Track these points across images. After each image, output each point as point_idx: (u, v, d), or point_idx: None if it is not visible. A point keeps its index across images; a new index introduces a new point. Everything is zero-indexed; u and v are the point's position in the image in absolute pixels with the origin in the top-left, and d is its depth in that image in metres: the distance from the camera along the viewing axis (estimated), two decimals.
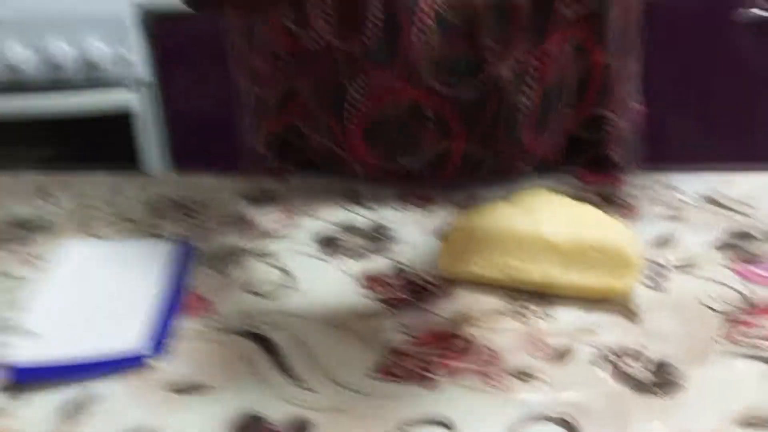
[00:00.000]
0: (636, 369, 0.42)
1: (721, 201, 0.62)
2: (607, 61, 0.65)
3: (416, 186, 0.66)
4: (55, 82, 1.52)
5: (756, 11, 1.42)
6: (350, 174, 0.68)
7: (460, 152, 0.64)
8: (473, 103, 0.62)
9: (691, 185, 0.64)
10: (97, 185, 0.71)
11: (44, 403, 0.41)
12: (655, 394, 0.40)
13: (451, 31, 0.59)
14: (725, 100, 1.55)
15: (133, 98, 1.54)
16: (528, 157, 0.65)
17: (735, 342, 0.44)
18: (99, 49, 1.48)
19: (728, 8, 1.44)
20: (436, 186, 0.66)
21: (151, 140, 1.59)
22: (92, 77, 1.52)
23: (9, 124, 1.56)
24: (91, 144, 1.60)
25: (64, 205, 0.68)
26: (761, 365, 0.42)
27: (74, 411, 0.41)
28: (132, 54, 1.50)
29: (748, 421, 0.38)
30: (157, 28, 1.52)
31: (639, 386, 0.41)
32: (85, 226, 0.63)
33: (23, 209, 0.67)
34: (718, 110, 1.56)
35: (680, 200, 0.62)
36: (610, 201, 0.62)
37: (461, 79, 0.61)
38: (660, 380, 0.41)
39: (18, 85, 1.52)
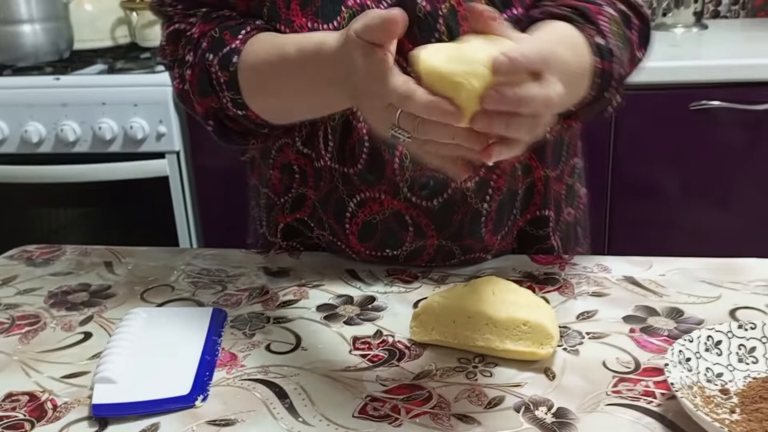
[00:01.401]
0: (543, 413, 0.58)
1: (639, 281, 0.78)
2: (546, 173, 0.82)
3: (400, 266, 0.83)
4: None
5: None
6: (347, 256, 0.85)
7: (433, 246, 0.81)
8: (442, 210, 0.79)
9: (618, 267, 0.81)
10: (149, 259, 0.89)
11: None
12: None
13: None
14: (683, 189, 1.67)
15: (167, 165, 1.73)
16: (487, 249, 0.82)
17: (620, 395, 0.60)
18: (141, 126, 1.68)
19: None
20: (416, 267, 0.83)
21: (181, 199, 1.77)
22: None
23: (60, 186, 1.76)
24: (134, 205, 1.79)
25: (125, 276, 0.85)
26: (635, 412, 0.57)
27: None
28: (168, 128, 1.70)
29: None
30: None
31: (544, 427, 0.56)
32: (142, 294, 0.81)
33: (95, 279, 0.85)
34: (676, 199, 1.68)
35: (606, 279, 0.79)
36: (552, 280, 0.79)
37: (433, 193, 0.78)
38: (559, 422, 0.57)
39: (72, 157, 1.72)
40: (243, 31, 0.73)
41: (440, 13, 0.72)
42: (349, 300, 0.77)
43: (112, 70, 1.78)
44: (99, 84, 1.69)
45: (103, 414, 0.59)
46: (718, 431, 0.51)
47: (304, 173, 0.83)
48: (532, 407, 0.59)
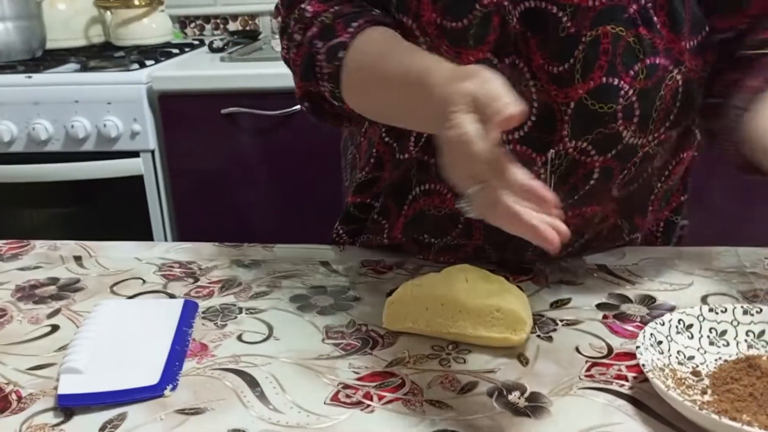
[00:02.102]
0: (516, 398, 0.58)
1: (612, 270, 0.78)
2: (619, 222, 0.80)
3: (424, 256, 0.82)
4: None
5: None
6: (379, 243, 0.84)
7: (473, 247, 0.79)
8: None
9: (591, 257, 0.81)
10: (119, 252, 0.88)
11: (89, 422, 0.57)
12: (527, 416, 0.56)
13: None
14: None
15: (142, 164, 1.71)
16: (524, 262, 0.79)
17: (593, 379, 0.60)
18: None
19: None
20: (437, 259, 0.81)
21: (156, 199, 1.75)
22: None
23: (33, 186, 1.73)
24: (108, 204, 1.77)
25: (95, 269, 0.84)
26: (607, 395, 0.57)
27: (111, 428, 0.56)
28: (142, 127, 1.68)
29: None
30: (163, 105, 1.70)
31: (517, 411, 0.56)
32: (111, 287, 0.79)
33: (64, 273, 0.83)
34: None
35: (580, 268, 0.79)
36: (525, 270, 0.79)
37: None
38: (532, 407, 0.57)
39: (44, 156, 1.70)
40: (355, 24, 0.68)
41: (582, 39, 0.67)
42: (322, 290, 0.77)
43: (85, 68, 1.75)
44: (72, 82, 1.67)
45: (68, 404, 0.58)
46: (689, 410, 0.51)
47: (380, 161, 0.80)
48: (505, 392, 0.58)
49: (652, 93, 0.68)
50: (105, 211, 1.76)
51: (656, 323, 0.60)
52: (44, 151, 1.69)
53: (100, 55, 1.94)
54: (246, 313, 0.73)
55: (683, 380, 0.57)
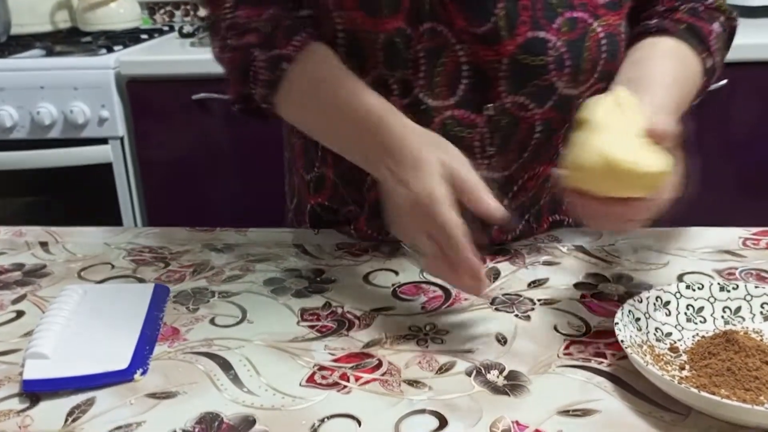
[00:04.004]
0: (495, 377, 0.57)
1: (589, 250, 0.78)
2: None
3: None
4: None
5: None
6: (345, 233, 0.83)
7: None
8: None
9: (568, 238, 0.81)
10: (87, 238, 0.86)
11: (55, 407, 0.55)
12: (506, 394, 0.55)
13: (455, 140, 0.67)
14: None
15: (110, 151, 1.67)
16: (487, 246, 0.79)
17: (571, 356, 0.59)
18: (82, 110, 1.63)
19: None
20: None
21: (126, 187, 1.72)
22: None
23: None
24: (76, 192, 1.73)
25: (61, 255, 0.82)
26: (586, 372, 0.57)
27: (78, 413, 0.54)
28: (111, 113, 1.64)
29: (569, 413, 0.53)
30: (132, 90, 1.67)
31: (495, 389, 0.56)
32: (79, 273, 0.77)
33: (29, 259, 0.81)
34: None
35: (557, 249, 0.78)
36: (502, 251, 0.78)
37: None
38: (511, 385, 0.56)
39: (9, 143, 1.66)
40: (298, 38, 0.70)
41: None
42: (297, 273, 0.75)
43: (51, 53, 1.71)
44: (37, 67, 1.63)
45: (34, 389, 0.56)
46: (669, 385, 0.51)
47: (324, 157, 0.81)
48: (483, 371, 0.58)
49: (578, 44, 0.70)
50: (72, 200, 1.72)
51: (634, 300, 0.60)
52: (9, 138, 1.65)
53: (67, 40, 1.89)
54: (219, 297, 0.71)
55: (661, 356, 0.57)
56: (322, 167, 0.82)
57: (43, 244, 0.84)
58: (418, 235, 0.60)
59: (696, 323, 0.61)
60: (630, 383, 0.55)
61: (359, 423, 0.52)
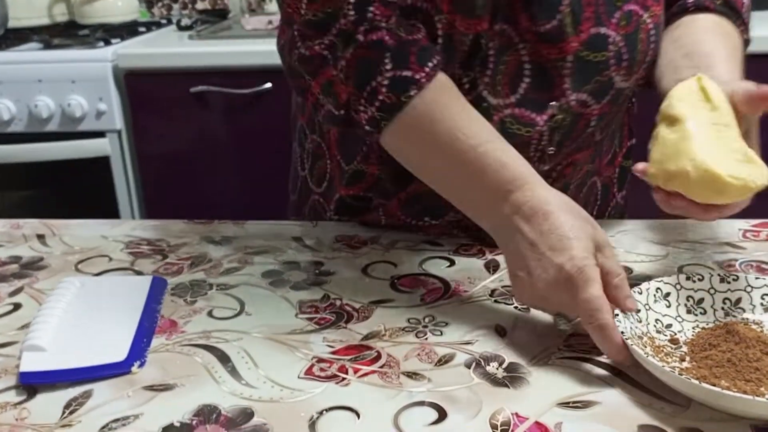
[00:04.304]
0: (494, 369, 0.57)
1: None
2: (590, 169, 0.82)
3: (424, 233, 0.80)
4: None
5: None
6: (371, 220, 0.82)
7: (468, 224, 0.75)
8: None
9: None
10: (84, 230, 0.85)
11: (52, 400, 0.54)
12: (506, 386, 0.55)
13: (513, 137, 0.69)
14: None
15: (108, 144, 1.67)
16: None
17: (572, 349, 0.59)
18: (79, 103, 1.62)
19: None
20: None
21: (124, 181, 1.72)
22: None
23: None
24: (74, 186, 1.73)
25: (59, 248, 0.81)
26: (587, 365, 0.57)
27: (76, 405, 0.54)
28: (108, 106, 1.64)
29: (569, 404, 0.52)
30: (130, 84, 1.66)
31: (495, 381, 0.55)
32: (76, 265, 0.77)
33: (26, 251, 0.80)
34: None
35: None
36: None
37: None
38: (511, 377, 0.56)
39: (7, 137, 1.65)
40: (430, 63, 0.64)
41: None
42: (295, 266, 0.75)
43: (48, 46, 1.70)
44: (34, 60, 1.62)
45: (30, 382, 0.56)
46: (669, 376, 0.50)
47: (367, 155, 0.78)
48: (483, 363, 0.57)
49: (633, 37, 0.70)
50: (70, 193, 1.71)
51: (634, 292, 0.60)
52: (7, 131, 1.64)
53: (64, 33, 1.89)
54: (216, 289, 0.71)
55: (661, 348, 0.56)
56: (362, 164, 0.79)
57: (41, 237, 0.84)
58: (563, 306, 0.59)
59: (696, 315, 0.61)
60: (630, 375, 0.55)
61: (358, 415, 0.52)
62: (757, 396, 0.49)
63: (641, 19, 0.70)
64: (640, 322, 0.58)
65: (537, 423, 0.50)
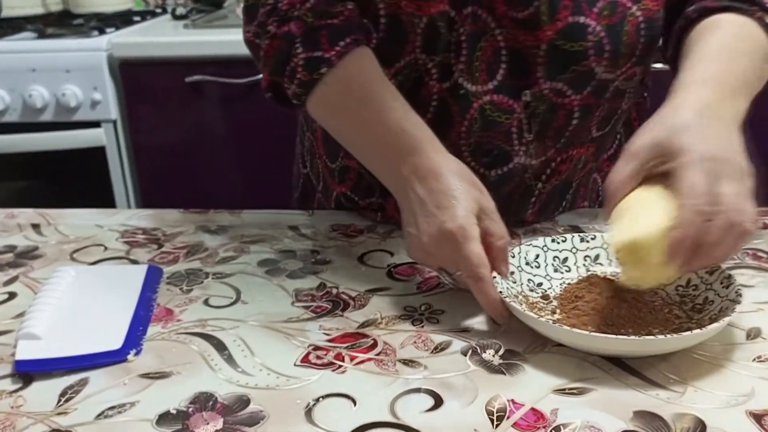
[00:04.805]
0: (490, 356, 0.57)
1: (585, 230, 0.78)
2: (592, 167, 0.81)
3: None
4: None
5: None
6: (370, 217, 0.83)
7: None
8: (498, 182, 0.74)
9: (564, 218, 0.80)
10: (79, 220, 0.85)
11: (48, 388, 0.54)
12: (502, 373, 0.55)
13: (493, 125, 0.71)
14: None
15: (103, 134, 1.66)
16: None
17: None
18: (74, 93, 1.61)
19: None
20: None
21: (119, 171, 1.71)
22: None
23: None
24: (69, 177, 1.72)
25: (54, 237, 0.81)
26: (581, 352, 0.57)
27: (72, 393, 0.54)
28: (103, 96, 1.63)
29: (564, 391, 0.53)
30: (125, 73, 1.65)
31: (491, 368, 0.55)
32: (72, 254, 0.76)
33: (21, 241, 0.80)
34: None
35: (552, 230, 0.78)
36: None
37: (493, 163, 0.74)
38: (507, 364, 0.56)
39: (1, 127, 1.64)
40: (342, 42, 0.67)
41: None
42: (291, 254, 0.75)
43: (42, 36, 1.69)
44: (28, 49, 1.61)
45: (26, 370, 0.56)
46: (544, 326, 0.56)
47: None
48: (479, 350, 0.57)
49: (617, 28, 0.69)
50: (65, 183, 1.71)
51: (508, 256, 0.64)
52: (1, 121, 1.63)
53: (58, 22, 1.87)
54: (212, 278, 0.70)
55: (535, 304, 0.62)
56: (345, 159, 0.81)
57: (35, 226, 0.84)
58: (445, 262, 0.63)
59: (562, 272, 0.66)
60: (626, 362, 0.55)
61: (354, 402, 0.52)
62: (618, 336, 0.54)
63: (629, 11, 0.69)
64: (515, 282, 0.63)
65: (533, 409, 0.50)
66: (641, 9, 0.69)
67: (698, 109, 0.58)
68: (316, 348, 0.58)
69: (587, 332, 0.54)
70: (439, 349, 0.58)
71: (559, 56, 0.69)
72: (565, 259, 0.67)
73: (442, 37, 0.69)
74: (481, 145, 0.73)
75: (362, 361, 0.57)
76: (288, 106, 0.74)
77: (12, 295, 0.68)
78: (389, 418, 0.50)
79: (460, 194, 0.61)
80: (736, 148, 0.57)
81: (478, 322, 0.61)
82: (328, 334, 0.60)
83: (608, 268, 0.66)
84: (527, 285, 0.64)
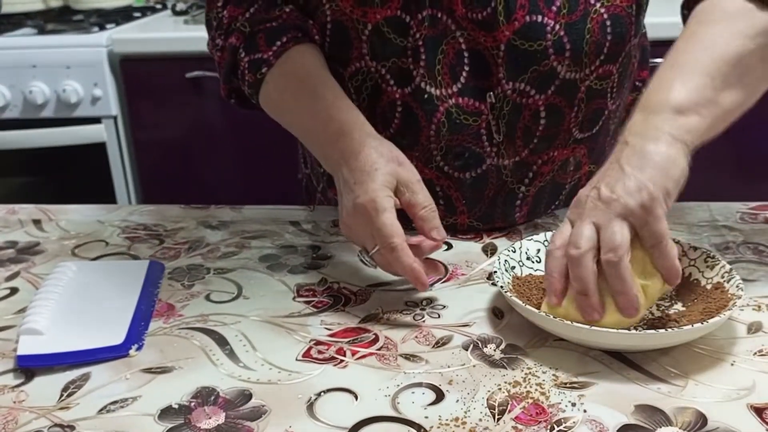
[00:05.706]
0: (492, 350, 0.57)
1: None
2: (592, 169, 0.79)
3: None
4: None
5: None
6: None
7: (464, 226, 0.77)
8: (475, 184, 0.74)
9: (564, 214, 0.80)
10: (81, 215, 0.85)
11: (50, 383, 0.54)
12: (503, 367, 0.55)
13: (461, 128, 0.72)
14: None
15: (104, 130, 1.66)
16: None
17: None
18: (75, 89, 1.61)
19: None
20: None
21: (120, 167, 1.71)
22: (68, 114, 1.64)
23: None
24: (70, 173, 1.72)
25: (55, 232, 0.81)
26: (583, 346, 0.57)
27: (74, 388, 0.54)
28: (104, 92, 1.63)
29: (565, 385, 0.53)
30: (125, 69, 1.65)
31: (492, 362, 0.55)
32: (73, 250, 0.77)
33: (22, 236, 0.80)
34: None
35: (554, 225, 0.78)
36: (499, 228, 0.78)
37: (466, 165, 0.73)
38: (508, 358, 0.56)
39: (1, 123, 1.64)
40: (278, 42, 0.72)
41: None
42: (292, 250, 0.75)
43: (42, 32, 1.69)
44: (29, 45, 1.61)
45: (28, 365, 0.56)
46: (544, 320, 0.56)
47: None
48: (480, 345, 0.58)
49: (578, 26, 0.69)
50: (66, 180, 1.71)
51: (509, 251, 0.64)
52: (1, 118, 1.63)
53: (59, 18, 1.87)
54: (214, 274, 0.70)
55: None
56: None
57: (37, 222, 0.84)
58: (363, 238, 0.63)
59: None
60: (627, 356, 0.55)
61: (356, 397, 0.52)
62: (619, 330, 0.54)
63: (592, 9, 0.68)
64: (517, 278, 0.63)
65: (534, 404, 0.50)
66: (605, 6, 0.69)
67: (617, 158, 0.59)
68: (318, 343, 0.58)
69: (588, 327, 0.54)
70: (441, 343, 0.58)
71: (518, 56, 0.69)
72: None
73: (389, 43, 0.69)
74: (452, 148, 0.73)
75: (364, 356, 0.57)
76: (252, 108, 0.79)
77: (13, 291, 0.68)
78: (391, 413, 0.50)
79: (375, 168, 0.62)
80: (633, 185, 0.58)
81: (479, 317, 0.61)
82: (329, 329, 0.60)
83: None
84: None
